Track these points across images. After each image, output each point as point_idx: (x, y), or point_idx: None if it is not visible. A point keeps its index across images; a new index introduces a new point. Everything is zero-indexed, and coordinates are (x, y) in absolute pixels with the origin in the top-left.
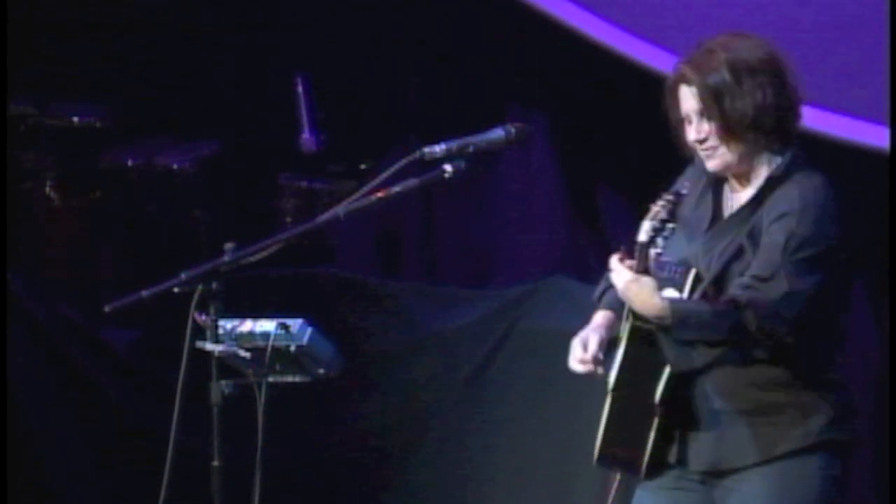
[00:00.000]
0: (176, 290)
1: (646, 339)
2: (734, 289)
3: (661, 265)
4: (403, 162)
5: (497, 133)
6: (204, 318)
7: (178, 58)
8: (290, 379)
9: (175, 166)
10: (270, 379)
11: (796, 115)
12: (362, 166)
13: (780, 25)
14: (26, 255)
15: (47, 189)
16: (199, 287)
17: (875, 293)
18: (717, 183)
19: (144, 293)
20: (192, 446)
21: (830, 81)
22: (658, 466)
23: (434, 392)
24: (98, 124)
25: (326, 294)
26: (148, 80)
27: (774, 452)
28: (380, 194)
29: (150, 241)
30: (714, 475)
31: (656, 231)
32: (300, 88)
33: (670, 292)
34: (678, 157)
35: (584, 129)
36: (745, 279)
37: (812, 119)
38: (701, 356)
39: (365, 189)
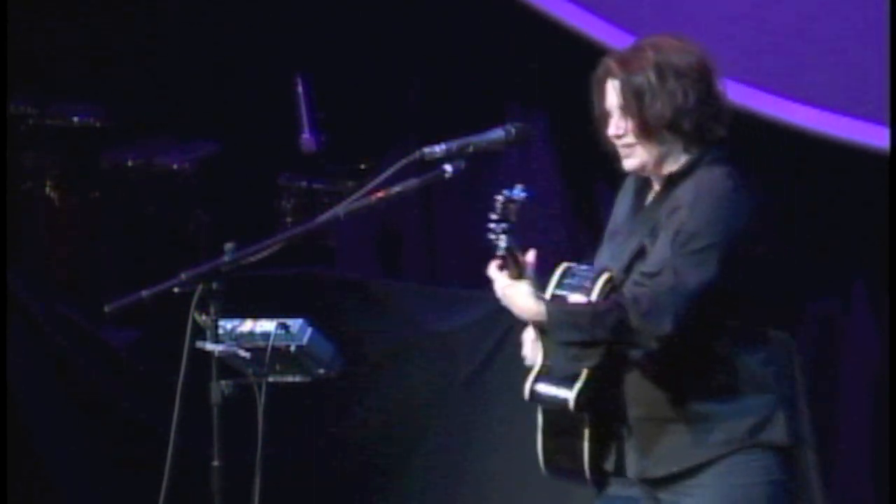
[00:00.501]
0: (176, 290)
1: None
2: (626, 287)
3: (571, 272)
4: (403, 162)
5: (497, 133)
6: (204, 318)
7: (178, 58)
8: (290, 379)
9: (175, 166)
10: (270, 379)
11: (720, 122)
12: (362, 166)
13: (779, 26)
14: (26, 255)
15: (47, 189)
16: (199, 287)
17: (875, 293)
18: (643, 188)
19: (144, 293)
20: (192, 446)
21: (830, 81)
22: (602, 475)
23: (434, 392)
24: (98, 124)
25: (326, 294)
26: (148, 80)
27: (693, 461)
28: (380, 194)
29: (150, 241)
30: (649, 483)
31: (495, 232)
32: (300, 88)
33: (577, 297)
34: (722, 146)
35: (584, 129)
36: (636, 276)
37: (812, 119)
38: (588, 359)
39: (365, 189)
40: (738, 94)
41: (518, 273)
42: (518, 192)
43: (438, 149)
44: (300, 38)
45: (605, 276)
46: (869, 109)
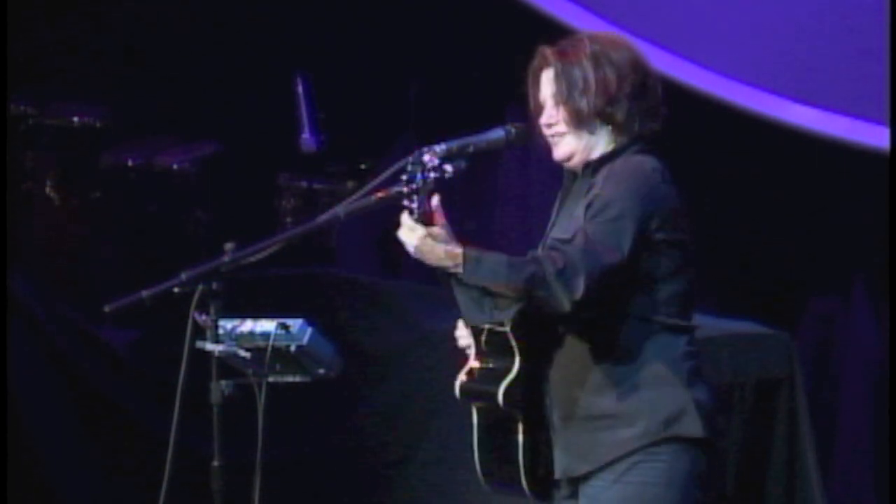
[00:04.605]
0: (176, 290)
1: (493, 346)
2: (540, 251)
3: None
4: (403, 162)
5: (497, 133)
6: (204, 318)
7: (178, 58)
8: (290, 379)
9: (175, 166)
10: (270, 379)
11: (652, 116)
12: (362, 166)
13: (780, 26)
14: (26, 255)
15: (47, 189)
16: (199, 287)
17: (875, 293)
18: (569, 186)
19: (144, 293)
20: (192, 446)
21: (830, 81)
22: (539, 483)
23: (434, 392)
24: (98, 124)
25: (326, 294)
26: (148, 80)
27: (608, 457)
28: (380, 194)
29: (150, 241)
30: (572, 482)
31: (405, 195)
32: (300, 88)
33: None
34: (676, 155)
35: None
36: (549, 241)
37: (812, 119)
38: (503, 308)
39: (365, 189)
40: (738, 95)
41: (427, 222)
42: (429, 158)
43: (438, 149)
44: (300, 38)
45: None
46: (869, 109)
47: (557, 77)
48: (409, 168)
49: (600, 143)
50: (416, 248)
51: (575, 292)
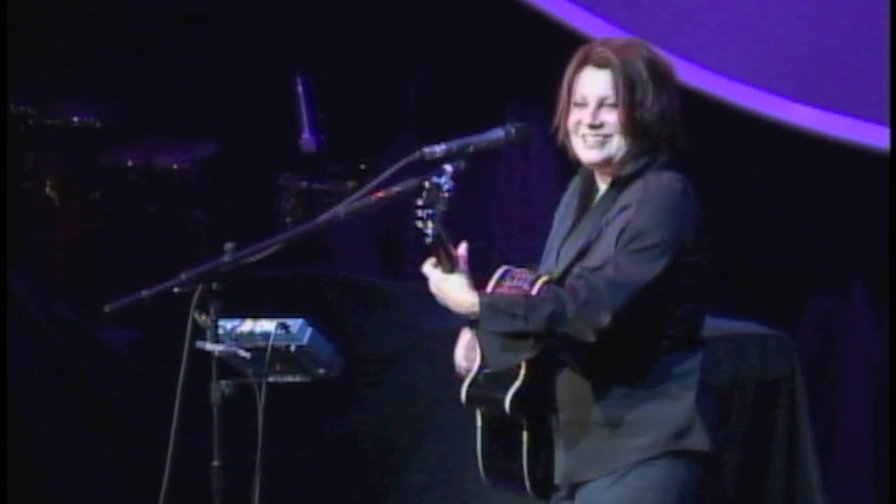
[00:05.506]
0: (176, 290)
1: None
2: (567, 281)
3: (510, 274)
4: (403, 162)
5: (497, 133)
6: (204, 318)
7: (178, 58)
8: (290, 379)
9: (175, 166)
10: (270, 379)
11: (679, 131)
12: (362, 166)
13: (780, 25)
14: (26, 255)
15: (47, 189)
16: (199, 287)
17: (875, 292)
18: (588, 191)
19: (144, 293)
20: (192, 446)
21: (830, 81)
22: (541, 483)
23: (434, 392)
24: (98, 124)
25: (326, 294)
26: (148, 80)
27: (616, 465)
28: (380, 194)
29: (150, 241)
30: (573, 488)
31: (420, 219)
32: (300, 88)
33: None
34: (675, 154)
35: None
36: (577, 270)
37: (812, 119)
38: (522, 350)
39: (365, 189)
40: (738, 95)
41: (451, 267)
42: (445, 181)
43: (438, 149)
44: (300, 38)
45: (543, 279)
46: (869, 109)
47: (625, 83)
48: (425, 194)
49: (635, 153)
50: (435, 293)
51: (599, 323)
